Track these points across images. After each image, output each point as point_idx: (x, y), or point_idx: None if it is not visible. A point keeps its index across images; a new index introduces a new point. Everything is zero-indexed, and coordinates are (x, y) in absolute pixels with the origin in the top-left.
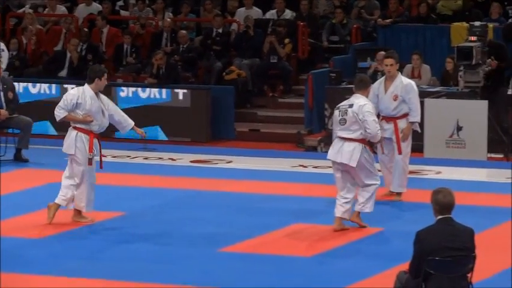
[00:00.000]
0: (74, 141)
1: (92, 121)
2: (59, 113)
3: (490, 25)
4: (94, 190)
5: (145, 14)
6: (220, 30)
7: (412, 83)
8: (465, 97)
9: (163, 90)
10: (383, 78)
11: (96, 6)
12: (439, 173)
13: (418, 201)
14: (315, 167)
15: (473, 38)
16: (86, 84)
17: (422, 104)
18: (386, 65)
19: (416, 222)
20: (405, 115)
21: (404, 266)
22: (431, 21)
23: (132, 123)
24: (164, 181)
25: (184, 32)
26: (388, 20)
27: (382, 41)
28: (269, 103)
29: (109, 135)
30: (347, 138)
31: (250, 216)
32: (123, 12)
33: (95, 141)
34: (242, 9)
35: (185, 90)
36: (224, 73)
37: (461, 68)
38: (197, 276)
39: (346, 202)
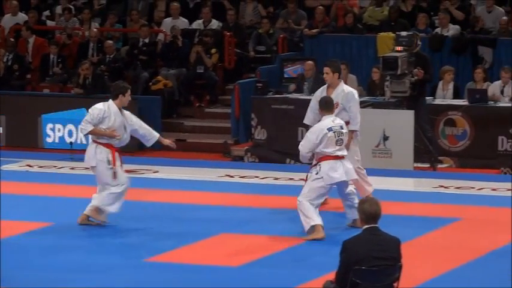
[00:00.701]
0: (94, 154)
1: (117, 136)
2: (86, 127)
3: (419, 35)
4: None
5: (71, 24)
6: (146, 40)
7: (354, 91)
8: (391, 107)
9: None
10: (325, 86)
11: (22, 17)
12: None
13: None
14: (242, 177)
15: (399, 48)
16: (110, 100)
17: None
18: (323, 73)
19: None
20: (346, 123)
21: (331, 275)
22: (357, 31)
23: (156, 135)
24: (91, 191)
25: (110, 42)
26: (314, 30)
27: (308, 51)
28: (196, 113)
29: (35, 146)
30: (343, 156)
31: (177, 226)
32: (49, 23)
33: (116, 154)
34: (169, 19)
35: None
36: (150, 83)
37: (388, 78)
38: (123, 286)
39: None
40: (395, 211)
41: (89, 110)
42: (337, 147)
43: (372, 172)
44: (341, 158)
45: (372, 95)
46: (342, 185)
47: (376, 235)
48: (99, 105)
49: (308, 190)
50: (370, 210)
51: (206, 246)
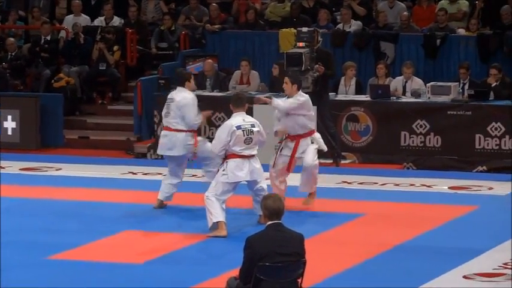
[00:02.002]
0: (185, 142)
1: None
2: (198, 120)
3: (319, 31)
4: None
5: None
6: (48, 38)
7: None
8: None
9: None
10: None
11: None
12: (268, 178)
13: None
14: (145, 174)
15: (301, 44)
16: (180, 88)
17: (250, 110)
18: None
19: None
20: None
21: (235, 271)
22: (259, 27)
23: None
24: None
25: (12, 39)
26: (216, 26)
27: (210, 47)
28: (98, 110)
29: None
30: (252, 155)
31: (80, 224)
32: None
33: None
34: (70, 16)
35: (14, 98)
36: (53, 80)
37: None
38: (25, 284)
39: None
40: (299, 207)
41: (183, 105)
42: (245, 146)
43: None
44: (249, 157)
45: (274, 91)
46: (250, 182)
47: (280, 231)
48: (189, 96)
49: (215, 185)
50: (273, 206)
51: (110, 243)
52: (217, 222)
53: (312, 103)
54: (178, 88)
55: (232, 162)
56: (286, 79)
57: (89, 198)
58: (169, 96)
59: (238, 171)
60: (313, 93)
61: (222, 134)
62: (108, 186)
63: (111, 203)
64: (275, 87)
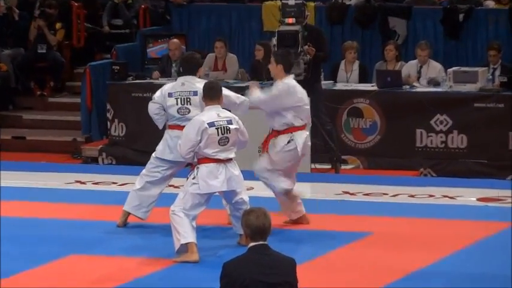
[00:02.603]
0: None
1: None
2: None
3: (311, 4)
4: None
5: None
6: None
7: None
8: None
9: None
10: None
11: None
12: (250, 189)
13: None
14: (96, 183)
15: (290, 20)
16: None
17: None
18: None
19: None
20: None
21: None
22: (238, 0)
23: None
24: None
25: None
26: None
27: (177, 25)
28: (37, 104)
29: None
30: (228, 159)
31: (15, 247)
32: None
33: None
34: None
35: None
36: None
37: None
38: None
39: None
40: (289, 225)
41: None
42: (220, 148)
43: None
44: (225, 161)
45: (257, 78)
46: (227, 193)
47: (265, 255)
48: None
49: (183, 196)
50: (256, 224)
51: (52, 271)
52: (187, 243)
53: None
54: (189, 77)
55: (204, 168)
56: (272, 58)
57: (24, 215)
58: (183, 87)
59: (212, 179)
60: (304, 81)
61: (190, 132)
62: (50, 199)
63: (54, 220)
64: (258, 74)
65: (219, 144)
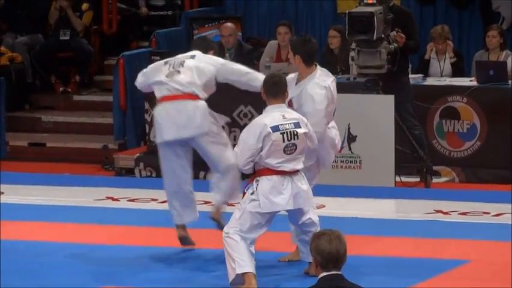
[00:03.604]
0: None
1: None
2: None
3: None
4: None
5: None
6: None
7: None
8: (360, 90)
9: None
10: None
11: None
12: (321, 207)
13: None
14: (131, 200)
15: (370, 0)
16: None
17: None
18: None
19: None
20: None
21: None
22: None
23: None
24: None
25: None
26: None
27: (231, 5)
28: (59, 103)
29: None
30: (295, 171)
31: (34, 278)
32: None
33: None
34: None
35: None
36: None
37: (354, 45)
38: None
39: None
40: (368, 251)
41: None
42: (286, 157)
43: (330, 191)
44: (290, 173)
45: (330, 72)
46: (293, 212)
47: (340, 287)
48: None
49: (240, 216)
50: (329, 250)
51: None
52: (243, 274)
53: (386, 90)
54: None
55: (265, 182)
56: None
57: (45, 238)
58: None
59: (275, 195)
60: (388, 75)
61: (249, 137)
62: (76, 220)
63: (80, 245)
64: (331, 66)
65: (285, 152)
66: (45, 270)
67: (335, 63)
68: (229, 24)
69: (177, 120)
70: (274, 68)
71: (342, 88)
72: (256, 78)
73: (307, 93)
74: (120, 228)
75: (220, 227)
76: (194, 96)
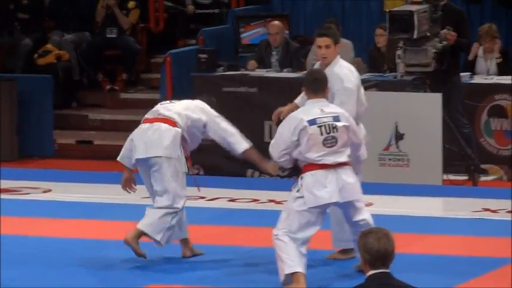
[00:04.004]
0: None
1: None
2: None
3: None
4: None
5: None
6: None
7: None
8: (407, 88)
9: None
10: (317, 64)
11: None
12: (369, 205)
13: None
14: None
15: None
16: None
17: None
18: (320, 47)
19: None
20: None
21: None
22: None
23: None
24: None
25: None
26: None
27: (278, 5)
28: (106, 101)
29: None
30: (339, 164)
31: (80, 274)
32: None
33: None
34: None
35: None
36: (36, 55)
37: (401, 44)
38: None
39: None
40: (415, 249)
41: None
42: (327, 150)
43: (378, 189)
44: (334, 166)
45: (377, 70)
46: (345, 206)
47: (388, 285)
48: None
49: (287, 217)
50: (377, 248)
51: None
52: (292, 273)
53: (436, 88)
54: None
55: (309, 177)
56: (327, 40)
57: (94, 236)
58: None
59: (319, 189)
60: (437, 73)
61: (284, 130)
62: (123, 217)
63: None
64: (378, 64)
65: (325, 145)
66: (93, 266)
67: (382, 62)
68: (276, 22)
69: (147, 139)
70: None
71: (389, 86)
72: (239, 143)
73: (334, 73)
74: None
75: (137, 253)
76: (172, 123)
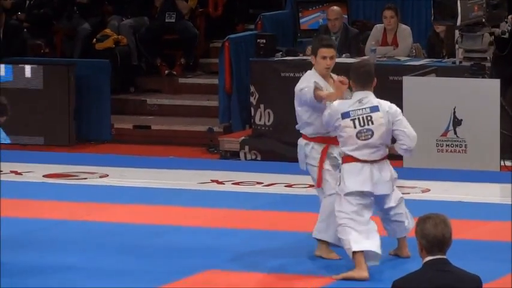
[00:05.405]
0: None
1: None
2: None
3: None
4: None
5: None
6: None
7: None
8: (466, 74)
9: (1, 66)
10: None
11: None
12: (426, 191)
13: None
14: (236, 184)
15: None
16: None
17: (399, 84)
18: (325, 57)
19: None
20: None
21: None
22: None
23: None
24: (4, 206)
25: None
26: None
27: None
28: (164, 86)
29: None
30: (377, 160)
31: (138, 259)
32: None
33: None
34: None
35: (35, 66)
36: (94, 40)
37: (460, 30)
38: None
39: None
40: (473, 235)
41: None
42: (361, 144)
43: (435, 175)
44: (369, 162)
45: (435, 55)
46: (377, 198)
47: (445, 272)
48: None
49: (339, 205)
50: (435, 233)
51: None
52: (354, 253)
53: (496, 74)
54: None
55: (345, 168)
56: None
57: (150, 221)
58: None
59: (353, 176)
60: (498, 58)
61: (325, 118)
62: (180, 203)
63: (184, 228)
64: (436, 51)
65: (359, 138)
66: (151, 251)
67: (441, 47)
68: (335, 7)
69: None
70: (379, 51)
71: (447, 72)
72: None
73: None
74: (225, 212)
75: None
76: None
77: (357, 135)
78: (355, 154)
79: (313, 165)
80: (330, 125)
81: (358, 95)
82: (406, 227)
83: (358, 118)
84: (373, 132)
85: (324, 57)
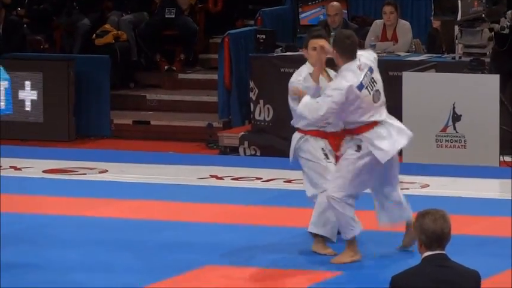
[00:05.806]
0: None
1: None
2: None
3: None
4: None
5: None
6: None
7: None
8: (465, 70)
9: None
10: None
11: None
12: (425, 186)
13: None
14: (235, 179)
15: None
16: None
17: (399, 79)
18: (315, 48)
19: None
20: None
21: None
22: None
23: None
24: (4, 202)
25: None
26: None
27: None
28: (164, 81)
29: None
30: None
31: (136, 255)
32: None
33: None
34: None
35: (34, 62)
36: (94, 35)
37: (460, 25)
38: None
39: None
40: (472, 230)
41: None
42: (377, 106)
43: (434, 170)
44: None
45: (435, 51)
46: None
47: (443, 267)
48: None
49: (343, 180)
50: (434, 228)
51: (186, 285)
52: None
53: (495, 69)
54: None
55: (367, 135)
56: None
57: (148, 216)
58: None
59: (382, 142)
60: (497, 54)
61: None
62: (179, 198)
63: (182, 223)
64: (436, 46)
65: (375, 102)
66: (150, 247)
67: (440, 43)
68: (335, 3)
69: None
70: (379, 46)
71: (446, 67)
72: None
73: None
74: (224, 207)
75: None
76: None
77: (373, 99)
78: (376, 118)
79: (304, 158)
80: (345, 105)
81: (351, 65)
82: (407, 211)
83: (368, 85)
84: (380, 92)
85: (315, 48)
